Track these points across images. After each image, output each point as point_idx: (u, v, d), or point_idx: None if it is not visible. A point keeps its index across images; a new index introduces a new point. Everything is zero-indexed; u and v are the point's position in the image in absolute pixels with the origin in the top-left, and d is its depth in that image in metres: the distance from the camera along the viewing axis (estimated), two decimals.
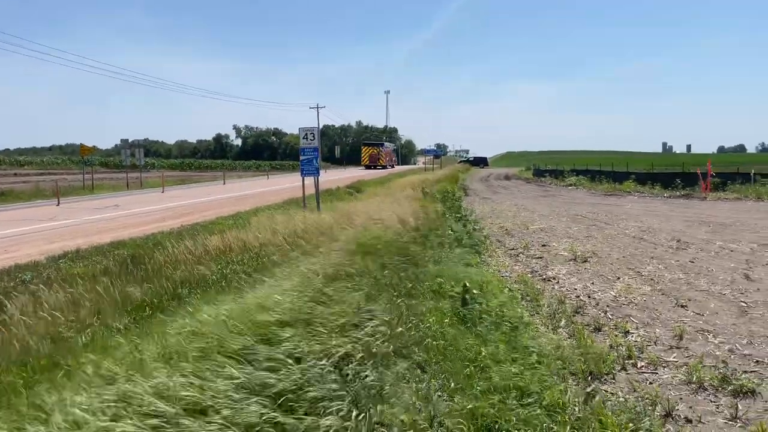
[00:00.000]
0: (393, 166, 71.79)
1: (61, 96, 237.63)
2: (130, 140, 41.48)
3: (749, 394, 4.44)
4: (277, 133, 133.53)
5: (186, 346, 3.98)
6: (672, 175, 31.26)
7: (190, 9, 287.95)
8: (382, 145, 77.46)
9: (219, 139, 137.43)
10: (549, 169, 51.99)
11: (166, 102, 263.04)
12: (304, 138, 16.63)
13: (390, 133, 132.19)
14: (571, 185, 36.39)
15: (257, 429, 3.12)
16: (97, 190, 31.25)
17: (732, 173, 29.00)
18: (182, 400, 3.23)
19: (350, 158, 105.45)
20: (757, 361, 5.16)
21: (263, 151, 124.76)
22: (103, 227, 14.70)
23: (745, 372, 4.88)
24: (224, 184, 38.98)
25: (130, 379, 3.39)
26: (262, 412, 3.25)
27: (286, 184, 34.70)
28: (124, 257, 9.62)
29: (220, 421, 3.11)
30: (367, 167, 67.78)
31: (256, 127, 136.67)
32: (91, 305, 6.56)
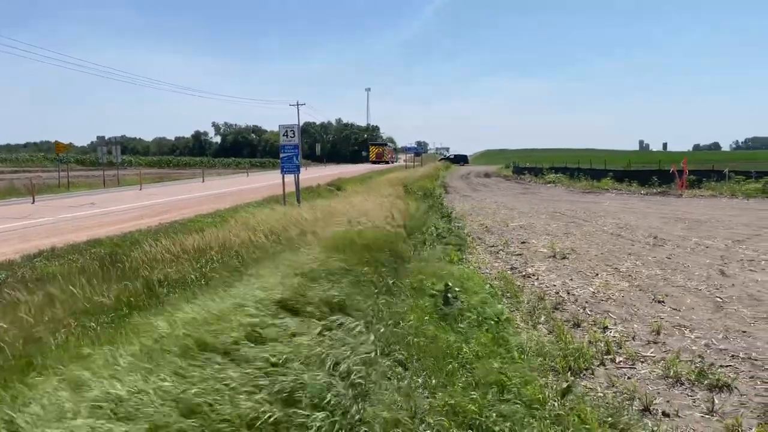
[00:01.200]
0: (394, 162, 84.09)
1: (37, 93, 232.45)
2: (106, 137, 40.92)
3: (725, 388, 4.51)
4: (256, 130, 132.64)
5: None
6: (649, 172, 31.67)
7: (168, 5, 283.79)
8: (385, 145, 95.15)
9: (198, 136, 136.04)
10: (528, 166, 52.33)
11: (144, 99, 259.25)
12: (284, 135, 16.58)
13: (371, 131, 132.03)
14: (550, 183, 36.69)
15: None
16: (73, 188, 30.76)
17: (707, 171, 29.46)
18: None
19: (331, 156, 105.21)
20: (733, 356, 5.25)
21: (243, 148, 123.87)
22: (79, 225, 14.47)
23: (721, 366, 4.96)
24: (203, 181, 38.61)
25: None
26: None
27: (266, 181, 34.50)
28: (101, 256, 9.48)
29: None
30: (374, 162, 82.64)
31: (236, 125, 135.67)
32: (66, 305, 6.45)
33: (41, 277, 7.94)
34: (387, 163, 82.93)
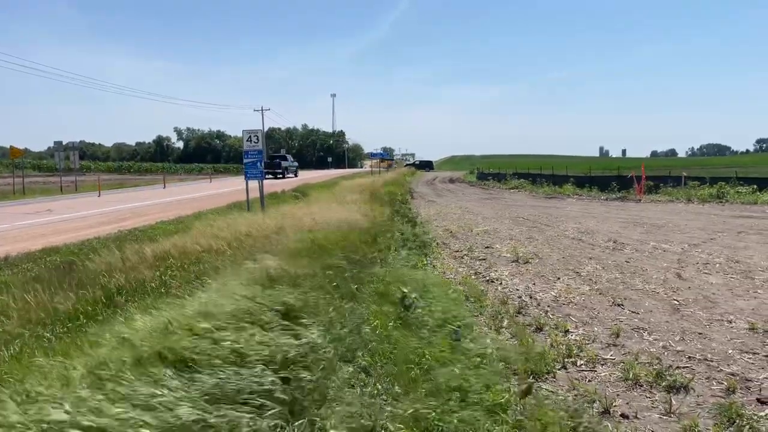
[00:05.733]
0: (394, 168, 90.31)
1: None
2: (64, 142, 39.78)
3: (682, 389, 4.60)
4: (220, 135, 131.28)
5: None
6: (609, 178, 32.44)
7: (125, 4, 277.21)
8: (392, 159, 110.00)
9: (160, 141, 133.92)
10: (492, 172, 53.03)
11: (104, 103, 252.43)
12: (248, 140, 16.40)
13: (337, 137, 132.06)
14: (513, 188, 37.17)
15: None
16: (29, 195, 29.91)
17: (664, 176, 30.30)
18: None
19: (296, 161, 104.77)
20: (689, 357, 5.36)
21: (206, 154, 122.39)
22: (34, 233, 14.04)
23: (678, 368, 5.06)
24: (165, 187, 37.93)
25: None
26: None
27: (230, 187, 34.10)
28: (56, 264, 9.21)
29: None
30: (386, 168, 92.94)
31: (199, 130, 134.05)
32: (19, 315, 6.23)
33: None
34: (392, 167, 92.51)
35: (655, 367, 5.03)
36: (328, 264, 7.74)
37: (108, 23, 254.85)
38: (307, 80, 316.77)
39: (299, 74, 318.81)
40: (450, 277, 9.01)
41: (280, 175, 50.55)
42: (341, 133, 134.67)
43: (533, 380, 4.64)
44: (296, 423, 3.24)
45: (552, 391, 4.52)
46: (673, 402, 4.33)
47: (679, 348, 5.63)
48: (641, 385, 4.70)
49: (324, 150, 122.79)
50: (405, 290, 6.37)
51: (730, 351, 5.53)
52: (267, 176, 47.30)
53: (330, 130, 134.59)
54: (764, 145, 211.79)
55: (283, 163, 53.63)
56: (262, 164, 16.65)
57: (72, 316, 6.16)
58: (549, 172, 41.07)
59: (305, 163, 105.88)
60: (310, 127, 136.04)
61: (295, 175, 55.02)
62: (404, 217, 16.81)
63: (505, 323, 6.36)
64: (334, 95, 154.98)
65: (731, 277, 8.81)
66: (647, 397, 4.49)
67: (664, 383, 4.68)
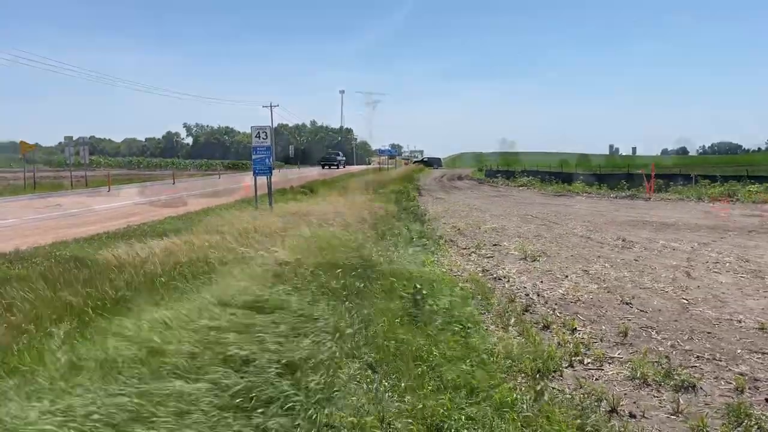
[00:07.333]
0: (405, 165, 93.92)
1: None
2: (75, 137, 39.93)
3: (690, 388, 4.58)
4: (229, 131, 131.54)
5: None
6: (618, 176, 32.28)
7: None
8: (408, 159, 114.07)
9: (169, 137, 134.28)
10: (501, 170, 52.71)
11: (114, 99, 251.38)
12: (256, 137, 16.40)
13: (345, 134, 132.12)
14: (522, 186, 37.00)
15: None
16: (39, 189, 30.06)
17: (674, 174, 30.11)
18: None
19: (305, 157, 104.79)
20: (698, 357, 5.33)
21: (215, 149, 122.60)
22: (44, 227, 14.13)
23: (687, 367, 5.03)
24: (174, 183, 38.05)
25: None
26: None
27: (238, 183, 34.16)
28: (66, 259, 9.26)
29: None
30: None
31: (208, 125, 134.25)
32: (28, 310, 6.27)
33: (2, 281, 7.70)
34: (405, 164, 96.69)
35: (663, 366, 5.00)
36: (335, 261, 7.75)
37: (112, 18, 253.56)
38: (312, 78, 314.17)
39: (304, 72, 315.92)
40: (457, 274, 8.99)
41: (335, 166, 67.89)
42: (349, 130, 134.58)
43: (545, 383, 4.62)
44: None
45: (559, 390, 4.50)
46: (681, 401, 4.30)
47: (687, 347, 5.60)
48: (649, 385, 4.68)
49: (332, 146, 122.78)
50: (412, 287, 6.37)
51: (739, 350, 5.49)
52: (324, 167, 66.81)
53: (337, 127, 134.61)
54: None
55: (338, 158, 72.56)
56: (271, 160, 16.67)
57: (80, 311, 6.18)
58: (558, 169, 40.88)
59: (314, 160, 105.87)
60: (319, 124, 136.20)
61: (344, 167, 70.61)
62: (412, 214, 16.80)
63: (512, 321, 6.34)
64: (342, 92, 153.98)
65: (741, 277, 8.75)
66: (655, 397, 4.47)
67: (672, 382, 4.66)
